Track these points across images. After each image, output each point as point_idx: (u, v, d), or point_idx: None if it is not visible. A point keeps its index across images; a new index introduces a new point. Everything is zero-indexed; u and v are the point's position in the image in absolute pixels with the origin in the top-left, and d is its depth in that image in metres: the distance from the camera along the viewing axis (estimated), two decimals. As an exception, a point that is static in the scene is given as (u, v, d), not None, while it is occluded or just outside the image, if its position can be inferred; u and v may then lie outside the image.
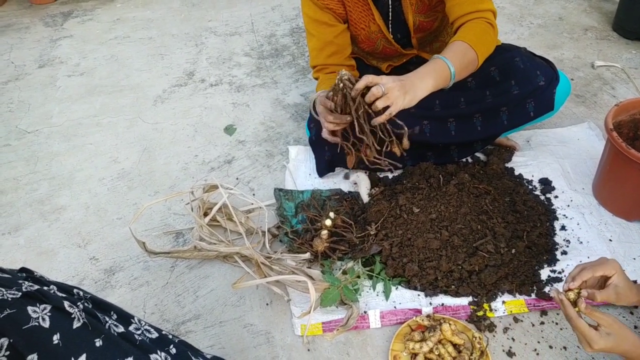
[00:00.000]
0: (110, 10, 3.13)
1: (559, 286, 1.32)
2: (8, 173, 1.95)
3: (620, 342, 0.97)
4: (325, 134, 1.37)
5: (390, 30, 1.57)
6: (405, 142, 1.33)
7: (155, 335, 0.86)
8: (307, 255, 1.41)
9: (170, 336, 0.91)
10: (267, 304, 1.40)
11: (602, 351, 0.98)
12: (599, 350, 0.98)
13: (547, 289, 1.31)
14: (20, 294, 0.69)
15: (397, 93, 1.21)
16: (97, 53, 2.69)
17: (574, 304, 1.01)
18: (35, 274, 0.78)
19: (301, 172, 1.77)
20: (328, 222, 1.47)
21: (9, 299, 0.67)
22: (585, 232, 1.46)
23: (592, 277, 1.04)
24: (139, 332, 0.83)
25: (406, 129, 1.31)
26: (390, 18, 1.55)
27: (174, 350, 0.86)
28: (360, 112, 1.25)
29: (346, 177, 1.71)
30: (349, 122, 1.28)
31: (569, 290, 1.03)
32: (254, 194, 1.73)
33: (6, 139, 2.13)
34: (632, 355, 0.98)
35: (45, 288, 0.73)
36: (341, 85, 1.23)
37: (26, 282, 0.72)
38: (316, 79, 1.69)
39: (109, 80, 2.45)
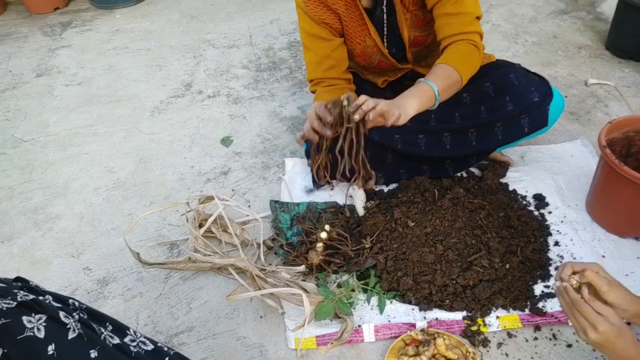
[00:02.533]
0: (109, 21, 3.15)
1: (553, 302, 1.32)
2: (3, 181, 1.94)
3: (620, 336, 0.94)
4: (299, 137, 1.43)
5: (385, 44, 1.59)
6: (371, 183, 1.45)
7: (150, 347, 0.85)
8: (302, 267, 1.41)
9: (166, 348, 0.91)
10: (261, 317, 1.39)
11: (601, 340, 0.95)
12: (601, 334, 0.94)
13: (540, 305, 1.32)
14: (15, 303, 0.68)
15: (391, 107, 1.27)
16: (95, 63, 2.70)
17: (577, 291, 1.00)
18: (31, 283, 0.78)
19: (297, 185, 1.78)
20: (323, 235, 1.48)
21: (4, 309, 0.67)
22: (578, 248, 1.47)
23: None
24: (134, 343, 0.82)
25: (373, 175, 1.41)
26: (385, 33, 1.57)
27: (169, 363, 0.85)
28: (350, 128, 1.30)
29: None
30: (328, 137, 1.34)
31: (570, 277, 1.02)
32: (249, 206, 1.74)
33: (2, 147, 2.12)
34: (627, 354, 0.95)
35: (41, 298, 0.73)
36: (345, 102, 1.28)
37: (21, 292, 0.72)
38: (313, 92, 1.70)
39: (107, 90, 2.46)
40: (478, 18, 1.45)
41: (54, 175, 1.95)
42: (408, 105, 1.31)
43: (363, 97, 1.27)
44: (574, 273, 1.02)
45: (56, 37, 2.99)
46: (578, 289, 1.00)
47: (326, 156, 1.43)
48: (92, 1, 3.31)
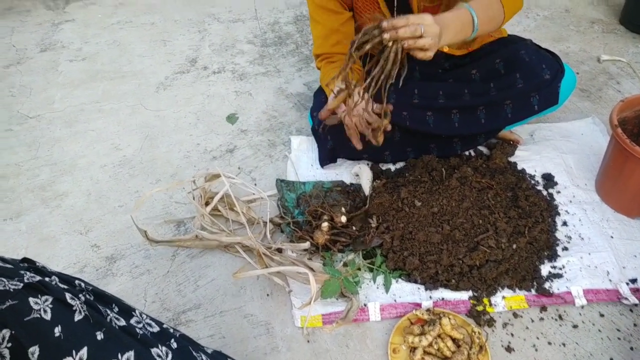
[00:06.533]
0: (112, -6, 3.10)
1: (560, 282, 1.32)
2: (10, 158, 1.94)
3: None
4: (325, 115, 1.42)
5: (395, 17, 1.55)
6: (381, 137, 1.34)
7: (156, 329, 0.86)
8: (307, 244, 1.41)
9: (172, 330, 0.91)
10: (267, 295, 1.40)
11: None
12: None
13: (547, 285, 1.32)
14: (22, 285, 0.68)
15: (436, 40, 1.13)
16: (99, 38, 2.67)
17: None
18: (37, 264, 0.78)
19: (303, 163, 1.77)
20: (343, 219, 1.47)
21: (11, 290, 0.67)
22: (586, 229, 1.46)
23: None
24: (140, 325, 0.83)
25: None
26: (395, 4, 1.53)
27: (175, 345, 0.86)
28: (389, 57, 1.12)
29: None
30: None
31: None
32: (255, 184, 1.73)
33: (8, 123, 2.12)
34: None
35: (47, 279, 0.73)
36: (376, 32, 1.11)
37: (28, 273, 0.72)
38: (319, 68, 1.67)
39: (111, 65, 2.44)
40: None
41: (60, 152, 1.95)
42: (445, 36, 1.18)
43: (403, 20, 1.09)
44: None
45: (59, 11, 2.95)
46: None
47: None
48: (95, -26, 3.25)
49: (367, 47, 1.12)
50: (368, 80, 1.16)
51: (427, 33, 1.10)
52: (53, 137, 2.03)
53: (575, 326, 1.25)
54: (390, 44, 1.11)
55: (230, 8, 2.84)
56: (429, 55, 1.13)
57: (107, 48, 2.58)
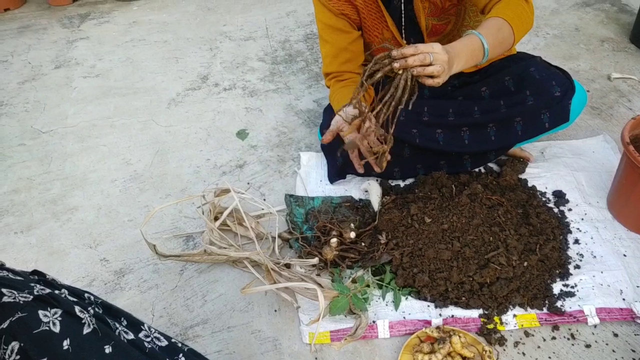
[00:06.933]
0: (126, 13, 3.16)
1: (572, 301, 1.30)
2: (22, 172, 1.97)
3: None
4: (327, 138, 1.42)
5: (403, 35, 1.57)
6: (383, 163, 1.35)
7: (164, 343, 0.86)
8: (315, 260, 1.40)
9: (180, 344, 0.91)
10: (275, 311, 1.39)
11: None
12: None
13: (559, 304, 1.30)
14: (31, 297, 0.69)
15: (444, 67, 1.15)
16: (112, 55, 2.71)
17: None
18: (47, 277, 0.79)
19: (312, 179, 1.77)
20: (352, 235, 1.46)
21: (21, 302, 0.68)
22: (599, 247, 1.44)
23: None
24: (148, 339, 0.83)
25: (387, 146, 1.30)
26: (403, 23, 1.54)
27: (183, 360, 0.85)
28: (399, 88, 1.15)
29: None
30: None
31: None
32: (264, 199, 1.73)
33: (21, 138, 2.15)
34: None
35: (57, 292, 0.73)
36: (386, 61, 1.14)
37: (38, 285, 0.72)
38: (328, 86, 1.68)
39: (124, 82, 2.47)
40: None
41: (72, 167, 1.97)
42: (456, 65, 1.21)
43: (412, 48, 1.12)
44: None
45: (74, 29, 3.01)
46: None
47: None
48: (110, -7, 3.33)
49: (378, 75, 1.16)
50: (379, 106, 1.18)
51: (436, 61, 1.13)
52: (65, 151, 2.05)
53: (588, 346, 1.23)
54: (400, 72, 1.14)
55: (241, 27, 2.88)
56: (437, 82, 1.16)
57: (120, 65, 2.62)
